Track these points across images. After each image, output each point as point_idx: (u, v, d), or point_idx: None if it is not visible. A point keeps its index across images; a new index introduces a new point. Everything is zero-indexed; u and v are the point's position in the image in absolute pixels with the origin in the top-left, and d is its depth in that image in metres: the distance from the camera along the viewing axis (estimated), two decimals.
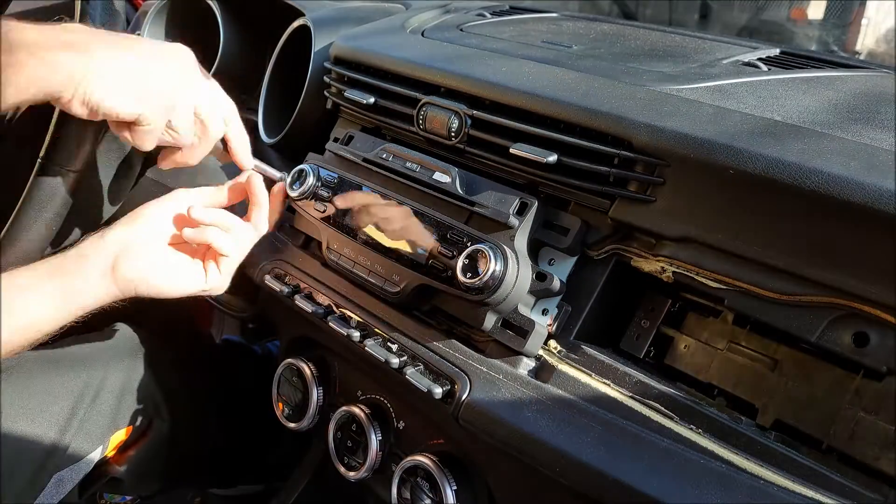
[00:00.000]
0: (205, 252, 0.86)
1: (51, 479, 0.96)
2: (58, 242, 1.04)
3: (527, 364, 0.76)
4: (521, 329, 0.75)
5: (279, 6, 1.18)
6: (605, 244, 0.77)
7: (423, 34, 1.07)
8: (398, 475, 0.86)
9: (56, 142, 0.96)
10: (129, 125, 0.78)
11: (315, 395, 1.00)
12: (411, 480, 0.84)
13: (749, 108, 0.74)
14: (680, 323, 0.78)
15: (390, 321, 0.86)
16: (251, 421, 1.29)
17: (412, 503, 0.84)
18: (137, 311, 1.16)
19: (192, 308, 1.66)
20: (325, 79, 1.05)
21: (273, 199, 0.91)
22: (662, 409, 0.68)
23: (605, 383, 0.72)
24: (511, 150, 0.79)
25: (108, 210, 1.18)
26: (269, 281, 0.98)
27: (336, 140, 1.02)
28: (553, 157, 0.76)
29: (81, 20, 0.96)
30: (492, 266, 0.72)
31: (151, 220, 0.84)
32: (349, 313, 0.90)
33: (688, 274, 0.71)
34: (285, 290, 0.95)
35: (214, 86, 0.86)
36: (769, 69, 0.91)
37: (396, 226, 0.84)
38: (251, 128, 1.17)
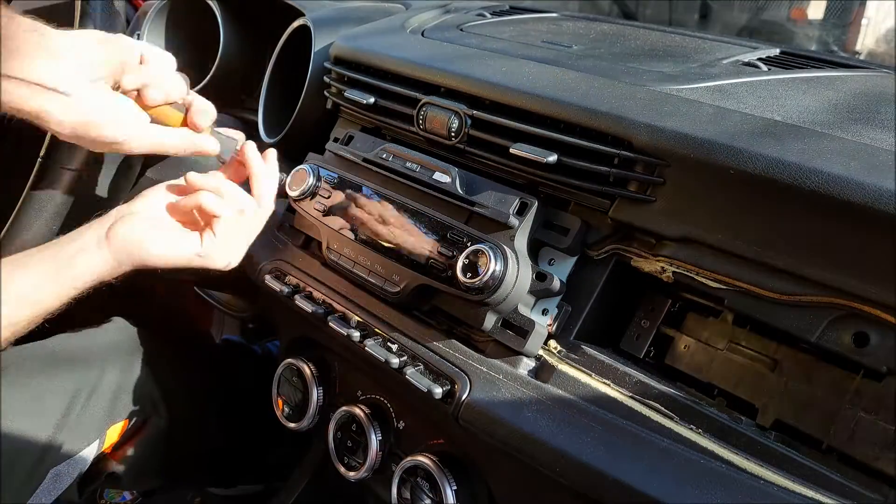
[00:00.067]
0: (204, 224, 0.85)
1: (48, 474, 0.96)
2: None
3: (527, 364, 0.76)
4: (521, 329, 0.75)
5: (279, 6, 1.18)
6: (605, 244, 0.77)
7: (423, 34, 1.07)
8: (398, 475, 0.86)
9: (56, 142, 0.96)
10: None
11: (315, 395, 1.00)
12: (411, 480, 0.84)
13: (749, 108, 0.74)
14: (680, 323, 0.78)
15: (390, 321, 0.86)
16: (251, 421, 1.29)
17: (412, 503, 0.84)
18: (137, 309, 1.17)
19: (192, 308, 1.66)
20: (325, 79, 1.05)
21: (267, 161, 0.90)
22: (662, 409, 0.68)
23: (605, 383, 0.72)
24: (511, 150, 0.79)
25: (108, 210, 1.18)
26: (269, 281, 0.98)
27: (336, 140, 1.02)
28: (553, 157, 0.76)
29: (82, 20, 0.97)
30: (492, 266, 0.72)
31: (150, 195, 0.85)
32: (349, 313, 0.90)
33: (688, 274, 0.71)
34: (285, 290, 0.95)
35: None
36: (769, 69, 0.91)
37: (396, 226, 0.84)
38: (251, 128, 1.17)
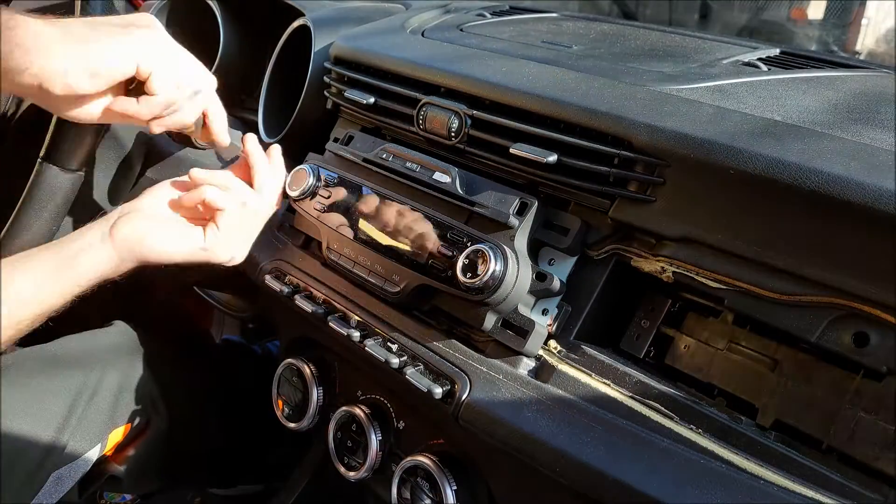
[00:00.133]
0: (208, 219, 0.85)
1: (49, 477, 0.96)
2: None
3: (527, 364, 0.76)
4: (521, 329, 0.75)
5: (279, 6, 1.18)
6: (605, 244, 0.77)
7: (423, 34, 1.07)
8: (398, 475, 0.86)
9: (56, 141, 0.96)
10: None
11: (315, 395, 1.00)
12: (411, 480, 0.84)
13: (749, 108, 0.74)
14: (680, 323, 0.78)
15: (390, 321, 0.86)
16: (251, 421, 1.29)
17: (412, 503, 0.84)
18: (137, 310, 1.17)
19: (192, 308, 1.66)
20: (325, 79, 1.05)
21: (271, 157, 0.91)
22: (662, 409, 0.68)
23: (605, 383, 0.72)
24: (511, 150, 0.79)
25: (108, 210, 1.18)
26: (269, 281, 0.98)
27: (336, 140, 1.02)
28: (553, 157, 0.76)
29: None
30: (492, 266, 0.72)
31: (153, 193, 0.86)
32: (349, 313, 0.90)
33: (688, 274, 0.71)
34: (285, 290, 0.95)
35: (183, 49, 0.82)
36: (769, 69, 0.91)
37: (396, 226, 0.85)
38: (251, 128, 1.17)
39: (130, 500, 1.42)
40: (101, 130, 1.01)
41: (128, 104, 0.77)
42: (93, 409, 1.01)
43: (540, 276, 0.76)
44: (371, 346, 0.83)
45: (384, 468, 0.92)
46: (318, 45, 1.09)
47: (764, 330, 0.71)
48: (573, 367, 0.74)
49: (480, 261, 0.73)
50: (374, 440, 0.91)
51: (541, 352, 0.76)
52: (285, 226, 1.03)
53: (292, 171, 0.94)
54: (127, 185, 1.21)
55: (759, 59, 0.95)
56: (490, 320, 0.76)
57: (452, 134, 0.86)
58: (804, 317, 0.64)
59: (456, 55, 0.95)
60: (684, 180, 0.70)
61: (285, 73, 1.15)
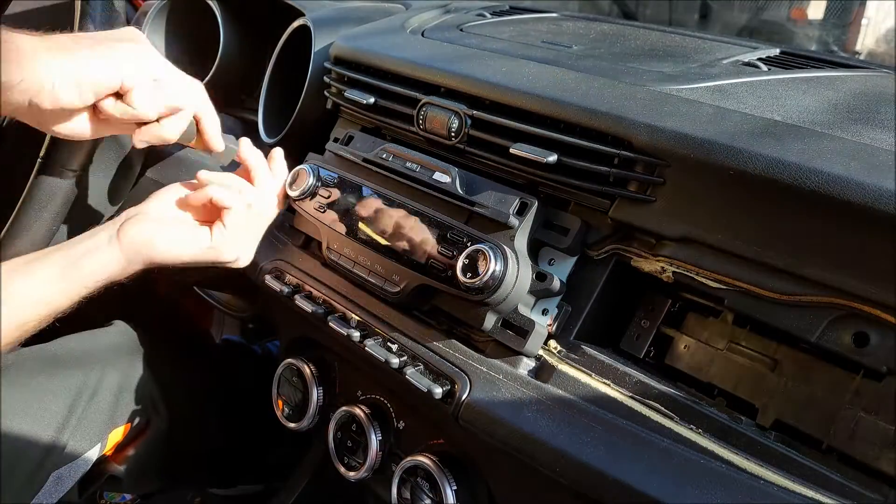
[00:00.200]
0: (214, 219, 0.86)
1: (49, 477, 0.96)
2: (58, 242, 1.04)
3: (527, 364, 0.76)
4: (521, 329, 0.75)
5: (279, 6, 1.18)
6: (605, 244, 0.77)
7: (423, 34, 1.07)
8: (398, 475, 0.86)
9: (56, 142, 0.96)
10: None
11: (315, 395, 1.00)
12: (411, 480, 0.84)
13: (749, 108, 0.74)
14: (680, 323, 0.78)
15: (390, 321, 0.86)
16: (251, 421, 1.29)
17: (412, 503, 0.84)
18: (137, 309, 1.17)
19: (192, 308, 1.66)
20: (325, 79, 1.05)
21: (272, 160, 0.92)
22: (662, 409, 0.68)
23: (605, 383, 0.72)
24: (511, 150, 0.79)
25: (108, 210, 1.18)
26: (269, 281, 0.98)
27: (336, 140, 1.02)
28: (553, 157, 0.76)
29: (81, 20, 0.97)
30: (492, 266, 0.72)
31: (160, 196, 0.87)
32: (349, 313, 0.90)
33: (688, 274, 0.71)
34: (285, 290, 0.95)
35: (170, 65, 0.83)
36: (769, 69, 0.91)
37: (396, 226, 0.85)
38: (251, 128, 1.18)
39: (130, 500, 1.42)
40: None
41: (113, 108, 0.78)
42: (93, 408, 1.01)
43: (540, 276, 0.75)
44: (371, 346, 0.83)
45: (384, 468, 0.92)
46: (318, 45, 1.09)
47: (764, 330, 0.71)
48: (573, 367, 0.74)
49: (480, 261, 0.73)
50: (374, 440, 0.91)
51: (541, 352, 0.76)
52: (285, 226, 1.03)
53: (292, 171, 0.94)
54: (127, 186, 1.21)
55: (759, 59, 0.95)
56: (490, 320, 0.76)
57: (452, 134, 0.86)
58: (804, 317, 0.64)
59: (456, 55, 0.95)
60: (684, 180, 0.70)
61: (285, 73, 1.15)
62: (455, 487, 0.82)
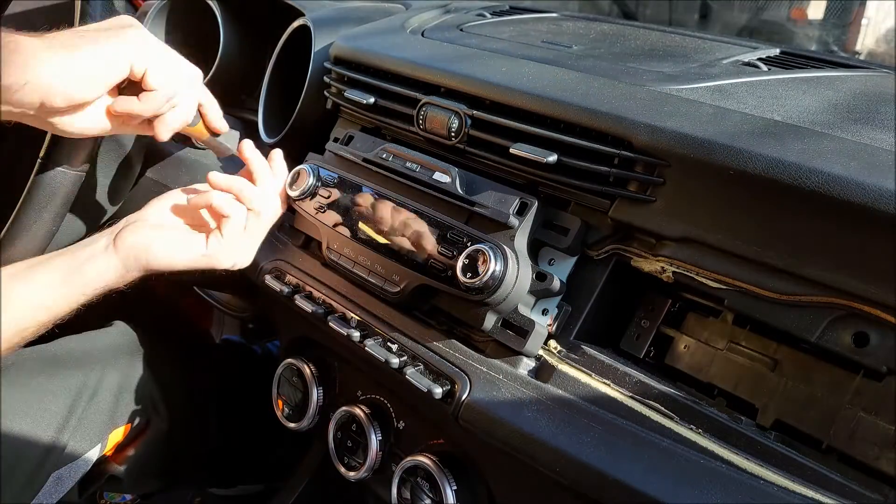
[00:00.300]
0: (214, 225, 0.86)
1: (49, 477, 0.96)
2: (58, 242, 1.04)
3: (527, 364, 0.76)
4: (521, 329, 0.75)
5: (279, 6, 1.18)
6: (605, 244, 0.77)
7: (423, 34, 1.07)
8: (398, 475, 0.86)
9: (56, 142, 0.96)
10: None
11: (315, 395, 1.00)
12: (411, 480, 0.84)
13: (749, 108, 0.74)
14: (680, 323, 0.78)
15: (390, 321, 0.86)
16: (251, 421, 1.29)
17: (412, 503, 0.84)
18: (137, 310, 1.17)
19: (192, 308, 1.66)
20: (325, 79, 1.05)
21: (272, 161, 0.92)
22: (662, 409, 0.68)
23: (605, 383, 0.72)
24: (511, 150, 0.79)
25: (108, 210, 1.18)
26: (269, 281, 0.98)
27: (336, 140, 1.02)
28: (553, 157, 0.76)
29: (81, 20, 0.96)
30: (492, 266, 0.72)
31: (158, 203, 0.87)
32: (349, 313, 0.90)
33: (688, 274, 0.71)
34: (285, 290, 0.95)
35: (171, 51, 0.83)
36: (769, 69, 0.91)
37: (396, 226, 0.85)
38: (251, 128, 1.17)
39: (130, 500, 1.42)
40: None
41: (130, 103, 0.78)
42: (93, 409, 1.01)
43: (540, 276, 0.75)
44: (371, 346, 0.83)
45: (384, 468, 0.92)
46: (318, 45, 1.09)
47: (764, 330, 0.71)
48: (573, 367, 0.74)
49: (480, 261, 0.73)
50: (374, 440, 0.91)
51: (541, 352, 0.76)
52: (285, 226, 1.03)
53: (292, 171, 0.94)
54: (127, 185, 1.21)
55: (759, 59, 0.95)
56: (490, 320, 0.76)
57: (452, 134, 0.86)
58: (804, 317, 0.64)
59: (456, 55, 0.95)
60: (684, 180, 0.70)
61: (285, 73, 1.15)
62: (455, 487, 0.82)
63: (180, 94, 0.81)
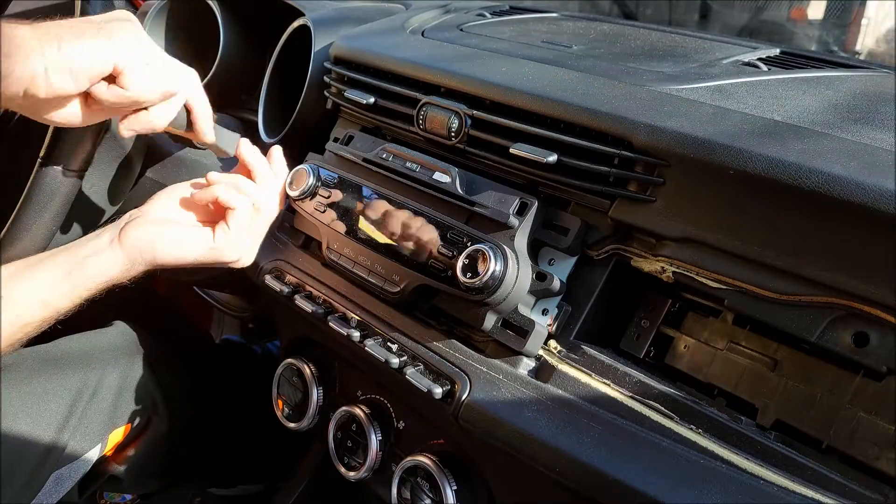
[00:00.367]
0: (218, 219, 0.86)
1: (49, 477, 0.96)
2: (58, 243, 1.04)
3: (527, 364, 0.76)
4: (521, 329, 0.75)
5: (279, 6, 1.18)
6: (605, 244, 0.77)
7: (423, 34, 1.07)
8: (398, 475, 0.86)
9: (56, 142, 0.96)
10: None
11: (315, 395, 1.00)
12: (411, 480, 0.84)
13: (749, 108, 0.74)
14: (680, 323, 0.78)
15: (390, 321, 0.86)
16: (251, 421, 1.29)
17: (412, 503, 0.84)
18: (137, 309, 1.17)
19: (192, 308, 1.66)
20: (325, 79, 1.05)
21: (272, 158, 0.92)
22: (662, 409, 0.68)
23: (605, 383, 0.72)
24: (511, 150, 0.79)
25: (108, 210, 1.18)
26: (269, 281, 0.98)
27: (336, 140, 1.02)
28: (553, 157, 0.76)
29: None
30: (492, 266, 0.72)
31: (162, 198, 0.86)
32: (349, 313, 0.90)
33: (688, 274, 0.71)
34: (285, 290, 0.95)
35: (161, 50, 0.81)
36: (769, 69, 0.91)
37: (396, 226, 0.85)
38: (251, 128, 1.17)
39: (130, 500, 1.42)
40: (100, 131, 1.01)
41: (98, 88, 0.77)
42: (93, 409, 1.01)
43: (540, 276, 0.75)
44: (371, 346, 0.83)
45: (384, 468, 0.92)
46: (318, 45, 1.09)
47: (764, 330, 0.71)
48: (573, 367, 0.74)
49: (480, 261, 0.73)
50: (374, 440, 0.91)
51: (541, 352, 0.76)
52: (285, 226, 1.03)
53: (292, 171, 0.94)
54: (127, 186, 1.21)
55: (759, 59, 0.95)
56: (490, 320, 0.76)
57: (452, 134, 0.86)
58: (804, 317, 0.64)
59: (456, 55, 0.95)
60: (684, 180, 0.70)
61: (285, 73, 1.15)
62: (455, 487, 0.82)
63: (151, 104, 0.79)
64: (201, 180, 0.88)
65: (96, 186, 1.14)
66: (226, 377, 1.31)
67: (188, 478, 1.31)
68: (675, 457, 0.63)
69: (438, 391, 0.76)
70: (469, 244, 0.76)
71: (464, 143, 0.86)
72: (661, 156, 0.71)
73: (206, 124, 0.88)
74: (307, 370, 1.00)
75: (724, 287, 0.68)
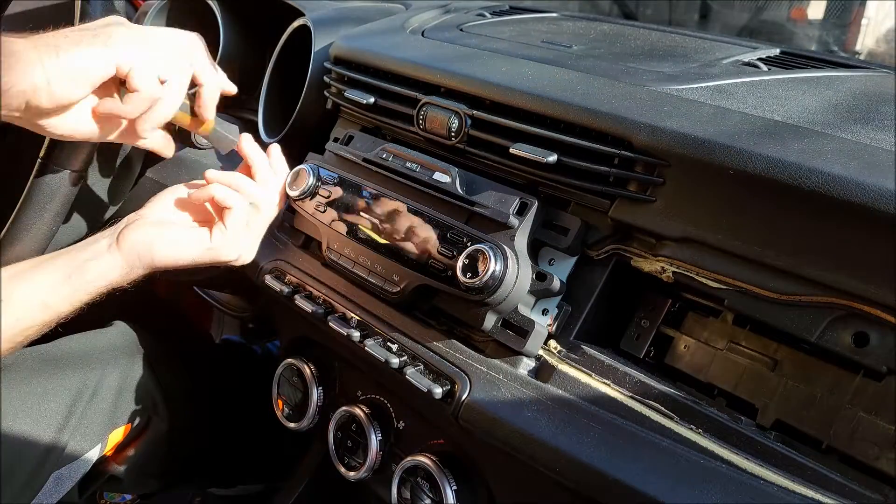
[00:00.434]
0: (216, 219, 0.86)
1: (49, 477, 0.96)
2: (58, 243, 1.04)
3: (527, 364, 0.76)
4: (521, 329, 0.75)
5: (279, 6, 1.18)
6: (605, 244, 0.77)
7: (423, 34, 1.07)
8: (398, 475, 0.86)
9: (56, 142, 0.96)
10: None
11: (315, 395, 1.00)
12: (411, 480, 0.84)
13: (749, 108, 0.74)
14: (680, 323, 0.78)
15: (390, 321, 0.86)
16: (251, 421, 1.29)
17: (412, 503, 0.84)
18: (137, 310, 1.17)
19: (192, 308, 1.66)
20: (325, 79, 1.05)
21: (271, 156, 0.92)
22: (662, 409, 0.68)
23: (605, 383, 0.72)
24: (511, 150, 0.79)
25: (108, 210, 1.18)
26: (269, 281, 0.98)
27: (336, 140, 1.02)
28: (553, 157, 0.76)
29: (81, 20, 0.97)
30: (492, 266, 0.72)
31: (159, 200, 0.87)
32: (349, 313, 0.90)
33: (688, 274, 0.71)
34: (285, 290, 0.95)
35: (160, 44, 0.81)
36: (769, 69, 0.91)
37: (396, 226, 0.85)
38: (251, 128, 1.17)
39: (130, 500, 1.42)
40: None
41: (112, 104, 0.78)
42: (93, 409, 1.01)
43: (540, 276, 0.75)
44: (371, 346, 0.83)
45: (384, 468, 0.92)
46: (318, 45, 1.09)
47: (764, 330, 0.71)
48: (573, 367, 0.74)
49: (480, 261, 0.73)
50: (374, 440, 0.91)
51: (541, 352, 0.76)
52: (285, 226, 1.03)
53: (292, 171, 0.94)
54: (127, 185, 1.21)
55: (759, 59, 0.95)
56: (490, 320, 0.76)
57: (452, 134, 0.86)
58: (804, 317, 0.64)
59: (456, 55, 0.95)
60: (684, 180, 0.70)
61: (285, 73, 1.15)
62: (455, 487, 0.82)
63: (164, 93, 0.80)
64: (201, 181, 0.88)
65: (96, 186, 1.14)
66: (226, 377, 1.31)
67: (188, 478, 1.31)
68: (675, 457, 0.63)
69: (438, 391, 0.76)
70: (469, 244, 0.76)
71: (464, 143, 0.86)
72: (661, 156, 0.71)
73: (211, 99, 0.87)
74: (307, 370, 1.00)
75: (724, 287, 0.68)
